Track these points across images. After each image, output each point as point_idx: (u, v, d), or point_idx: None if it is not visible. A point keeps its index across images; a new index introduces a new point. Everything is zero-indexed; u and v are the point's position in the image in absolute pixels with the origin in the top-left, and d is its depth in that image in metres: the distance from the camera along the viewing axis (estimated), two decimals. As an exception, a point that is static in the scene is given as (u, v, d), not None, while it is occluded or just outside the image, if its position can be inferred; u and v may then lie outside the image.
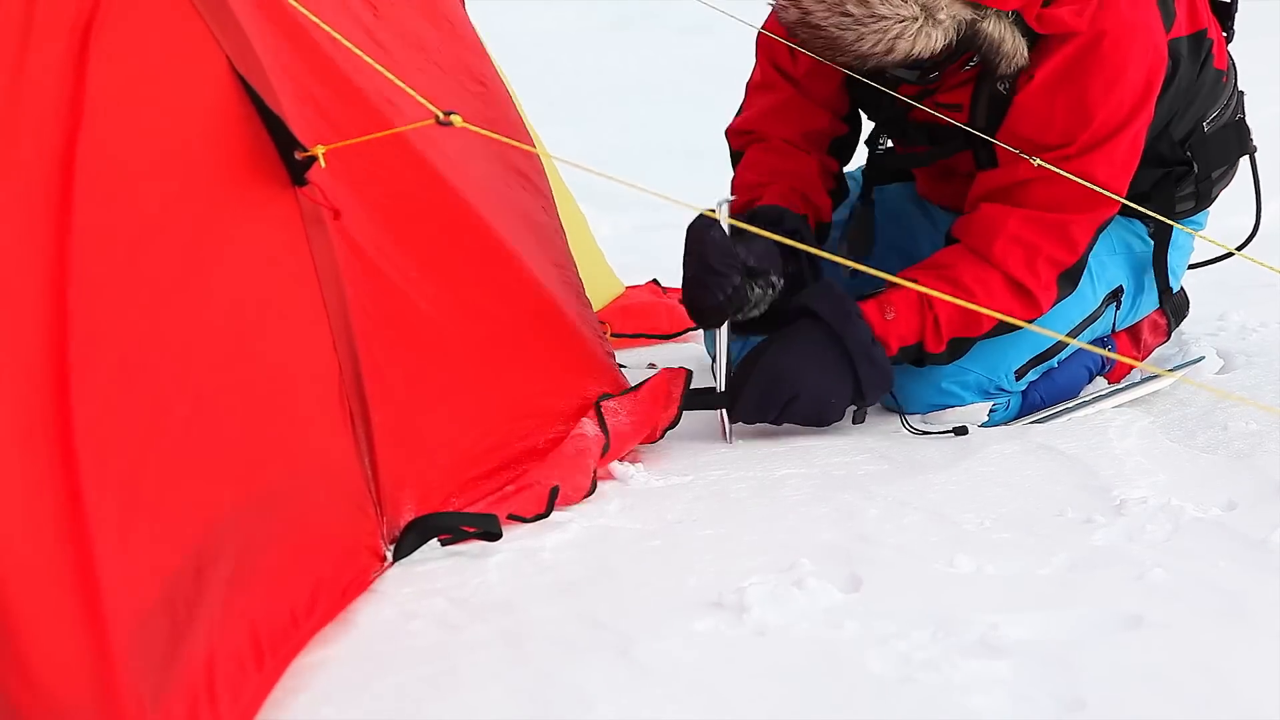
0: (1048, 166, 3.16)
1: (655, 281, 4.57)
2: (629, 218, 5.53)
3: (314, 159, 2.34)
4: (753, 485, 2.99)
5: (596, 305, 4.31)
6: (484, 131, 2.50)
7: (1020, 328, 3.15)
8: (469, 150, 2.95)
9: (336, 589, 2.35)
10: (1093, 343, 3.41)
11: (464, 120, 2.30)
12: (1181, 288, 3.65)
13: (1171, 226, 3.43)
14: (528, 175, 3.23)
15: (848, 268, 2.90)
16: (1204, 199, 3.55)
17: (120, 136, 2.09)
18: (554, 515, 2.74)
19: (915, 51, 3.05)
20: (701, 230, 3.20)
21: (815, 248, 3.30)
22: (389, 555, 2.53)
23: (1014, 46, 3.16)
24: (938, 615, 2.30)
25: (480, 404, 2.78)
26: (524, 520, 2.69)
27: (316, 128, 2.42)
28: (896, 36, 3.04)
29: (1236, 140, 3.55)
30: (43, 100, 2.01)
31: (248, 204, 2.31)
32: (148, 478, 2.01)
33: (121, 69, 2.11)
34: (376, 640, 2.24)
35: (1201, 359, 3.66)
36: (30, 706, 1.79)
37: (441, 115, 2.28)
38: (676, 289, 4.58)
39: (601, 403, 3.03)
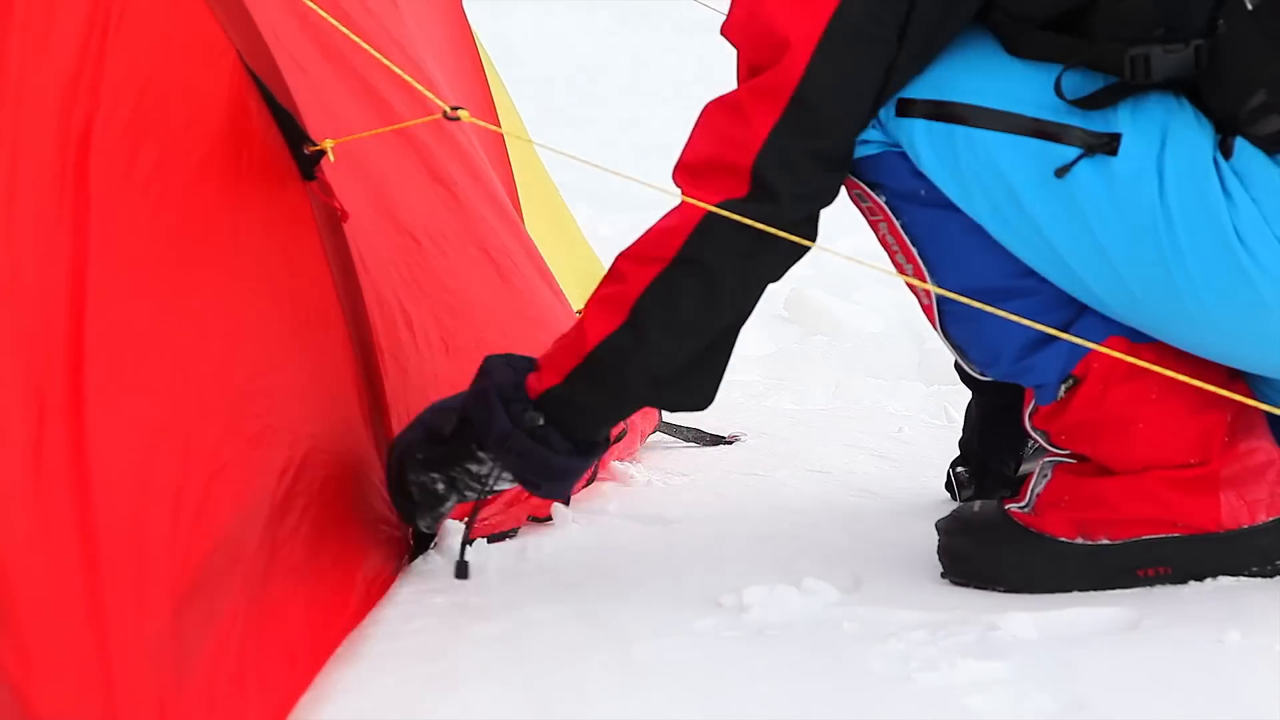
0: None
1: None
2: (629, 218, 5.53)
3: (323, 153, 2.34)
4: (753, 485, 3.00)
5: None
6: (491, 126, 2.50)
7: None
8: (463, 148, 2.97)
9: (363, 585, 2.35)
10: None
11: (471, 115, 2.30)
12: None
13: None
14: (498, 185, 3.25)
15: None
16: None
17: (136, 130, 2.10)
18: (554, 515, 2.74)
19: None
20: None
21: None
22: (411, 550, 2.53)
23: None
24: (937, 615, 2.31)
25: None
26: (541, 520, 2.69)
27: (330, 121, 2.42)
28: None
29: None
30: (62, 95, 2.02)
31: (261, 197, 2.31)
32: (164, 473, 2.00)
33: (137, 63, 2.12)
34: (376, 640, 2.24)
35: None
36: (35, 698, 1.79)
37: (449, 110, 2.29)
38: None
39: None
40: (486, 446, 2.40)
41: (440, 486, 2.44)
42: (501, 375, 2.41)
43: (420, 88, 2.36)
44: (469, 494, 2.45)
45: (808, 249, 2.37)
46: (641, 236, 2.38)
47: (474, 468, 2.43)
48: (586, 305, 2.40)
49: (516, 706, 2.07)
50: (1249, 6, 2.29)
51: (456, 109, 2.29)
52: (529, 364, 2.43)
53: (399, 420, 2.54)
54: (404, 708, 2.07)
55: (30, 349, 1.89)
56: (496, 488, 2.44)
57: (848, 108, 2.35)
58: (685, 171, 2.38)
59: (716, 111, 2.38)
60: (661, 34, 9.60)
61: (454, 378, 2.65)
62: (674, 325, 2.35)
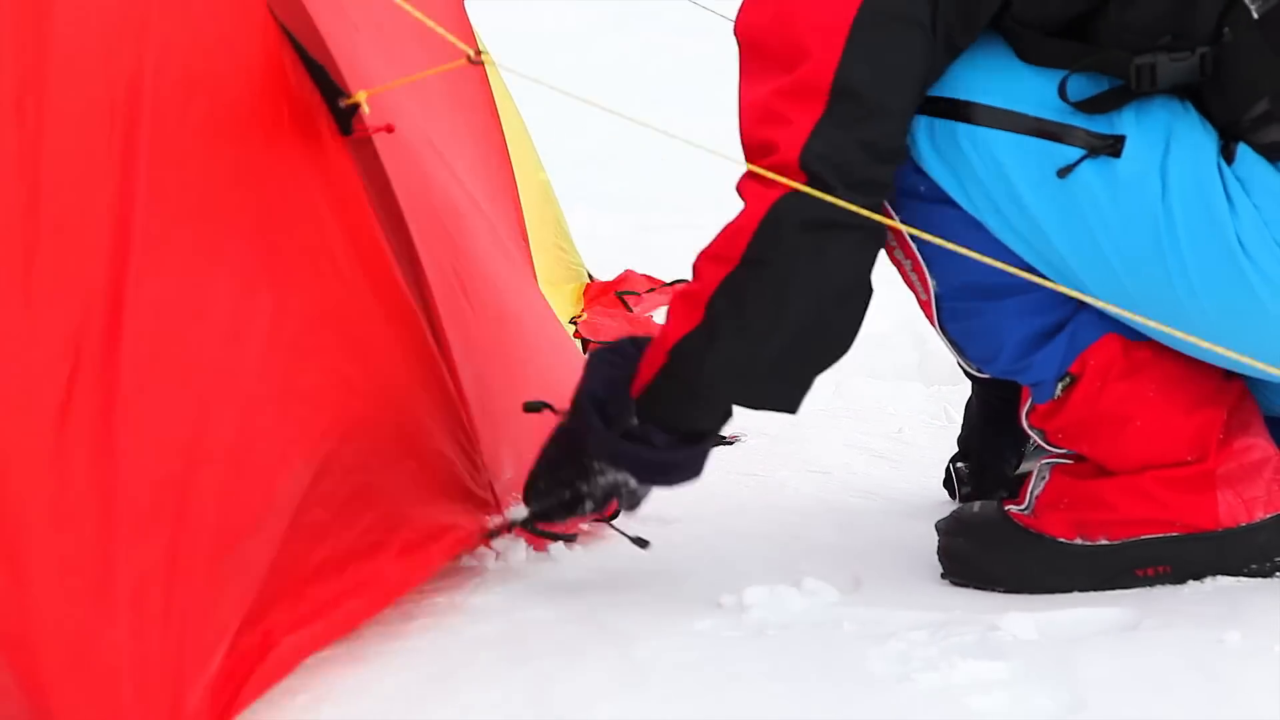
0: None
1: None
2: (630, 218, 5.53)
3: (357, 106, 2.33)
4: (753, 485, 2.99)
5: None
6: (513, 70, 2.50)
7: None
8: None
9: (403, 556, 2.30)
10: None
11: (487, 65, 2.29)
12: None
13: None
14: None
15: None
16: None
17: (187, 82, 2.10)
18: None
19: None
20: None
21: None
22: (507, 516, 2.51)
23: None
24: (937, 616, 2.31)
25: (541, 380, 2.79)
26: (604, 520, 2.69)
27: (361, 75, 2.41)
28: None
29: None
30: (108, 36, 2.02)
31: (304, 154, 2.29)
32: (206, 445, 2.00)
33: (185, 17, 2.12)
34: (376, 640, 2.24)
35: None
36: (47, 686, 1.80)
37: (472, 54, 2.27)
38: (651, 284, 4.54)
39: None
40: (592, 456, 2.40)
41: (568, 496, 2.44)
42: (595, 378, 2.40)
43: (445, 33, 2.34)
44: (595, 503, 2.45)
45: (876, 245, 2.35)
46: (716, 235, 2.36)
47: (601, 480, 2.42)
48: (671, 300, 2.39)
49: (516, 707, 2.07)
50: (1255, 15, 2.29)
51: (479, 53, 2.26)
52: (634, 352, 2.40)
53: (468, 385, 2.50)
54: (404, 708, 2.07)
55: (69, 300, 1.89)
56: (638, 491, 2.45)
57: (891, 92, 2.32)
58: (746, 177, 2.34)
59: (756, 124, 2.35)
60: (662, 34, 9.59)
61: (509, 346, 2.63)
62: (744, 324, 2.33)
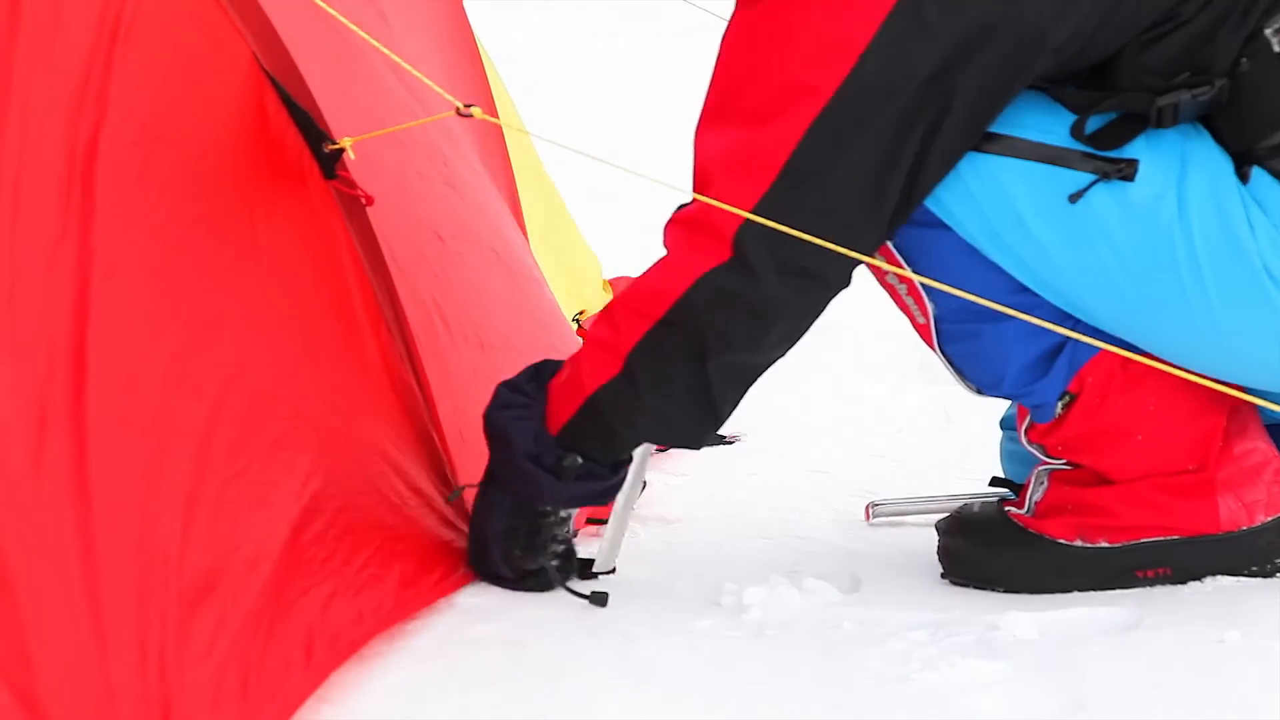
0: None
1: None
2: (632, 218, 5.53)
3: (342, 151, 2.35)
4: (753, 485, 2.99)
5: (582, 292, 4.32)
6: (503, 123, 2.50)
7: None
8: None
9: (395, 589, 2.31)
10: None
11: (482, 112, 2.31)
12: None
13: None
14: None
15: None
16: None
17: (147, 137, 2.10)
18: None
19: None
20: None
21: None
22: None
23: None
24: (937, 616, 2.31)
25: None
26: (601, 523, 2.69)
27: (348, 120, 2.41)
28: None
29: None
30: (69, 95, 2.02)
31: (282, 198, 2.31)
32: (174, 477, 2.00)
33: (149, 69, 2.12)
34: (376, 640, 2.24)
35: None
36: (38, 700, 1.79)
37: (462, 106, 2.29)
38: None
39: None
40: (547, 504, 2.41)
41: (544, 559, 2.44)
42: (521, 437, 2.39)
43: (433, 85, 2.36)
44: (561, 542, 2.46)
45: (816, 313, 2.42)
46: (638, 284, 2.35)
47: (558, 530, 2.44)
48: (585, 342, 2.39)
49: (516, 706, 2.07)
50: (1275, 49, 2.29)
51: (469, 106, 2.29)
52: (536, 392, 2.41)
53: (446, 418, 2.52)
54: (404, 708, 2.07)
55: (31, 358, 1.89)
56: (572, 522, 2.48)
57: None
58: (678, 231, 2.33)
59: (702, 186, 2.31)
60: (662, 34, 9.61)
61: (490, 373, 2.64)
62: (664, 378, 2.33)
